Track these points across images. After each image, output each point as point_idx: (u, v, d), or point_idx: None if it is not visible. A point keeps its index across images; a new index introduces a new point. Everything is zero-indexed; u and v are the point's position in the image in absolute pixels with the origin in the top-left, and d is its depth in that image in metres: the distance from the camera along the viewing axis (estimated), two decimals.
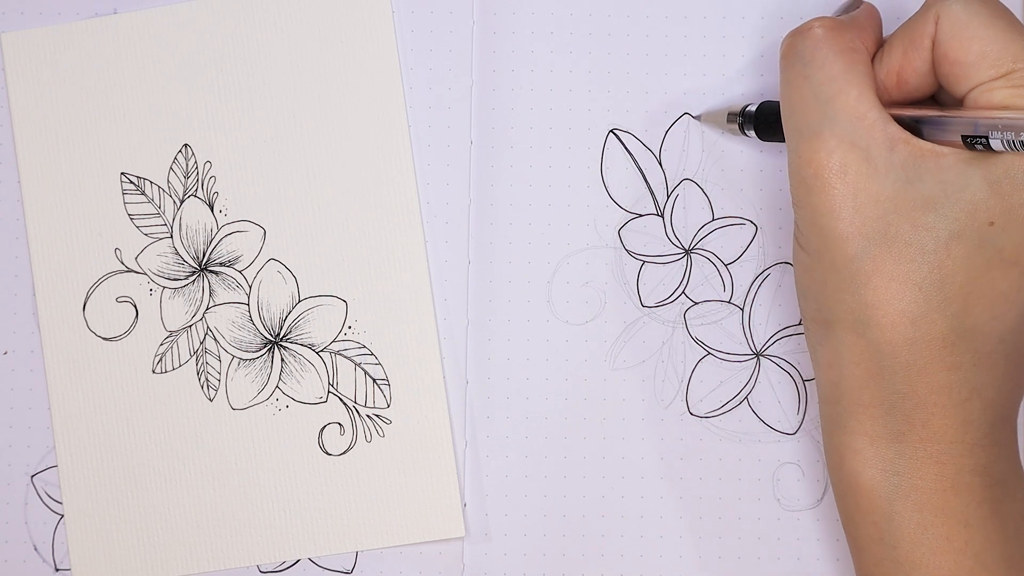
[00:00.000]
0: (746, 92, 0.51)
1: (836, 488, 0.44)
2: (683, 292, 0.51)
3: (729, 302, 0.51)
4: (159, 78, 0.51)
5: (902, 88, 0.43)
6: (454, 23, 0.51)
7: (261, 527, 0.51)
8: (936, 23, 0.42)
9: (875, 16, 0.45)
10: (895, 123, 0.41)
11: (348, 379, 0.51)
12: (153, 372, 0.51)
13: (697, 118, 0.51)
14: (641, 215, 0.51)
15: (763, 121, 0.48)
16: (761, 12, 0.51)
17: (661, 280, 0.51)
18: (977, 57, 0.41)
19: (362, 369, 0.51)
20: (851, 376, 0.42)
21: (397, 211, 0.51)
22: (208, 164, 0.51)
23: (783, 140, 0.46)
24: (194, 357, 0.51)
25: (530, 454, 0.51)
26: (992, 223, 0.40)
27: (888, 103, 0.43)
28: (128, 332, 0.51)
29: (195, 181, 0.51)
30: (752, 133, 0.49)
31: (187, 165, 0.51)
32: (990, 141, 0.39)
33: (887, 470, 0.42)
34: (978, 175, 0.40)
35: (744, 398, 0.51)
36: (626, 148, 0.51)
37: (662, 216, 0.51)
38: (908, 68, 0.43)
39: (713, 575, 0.50)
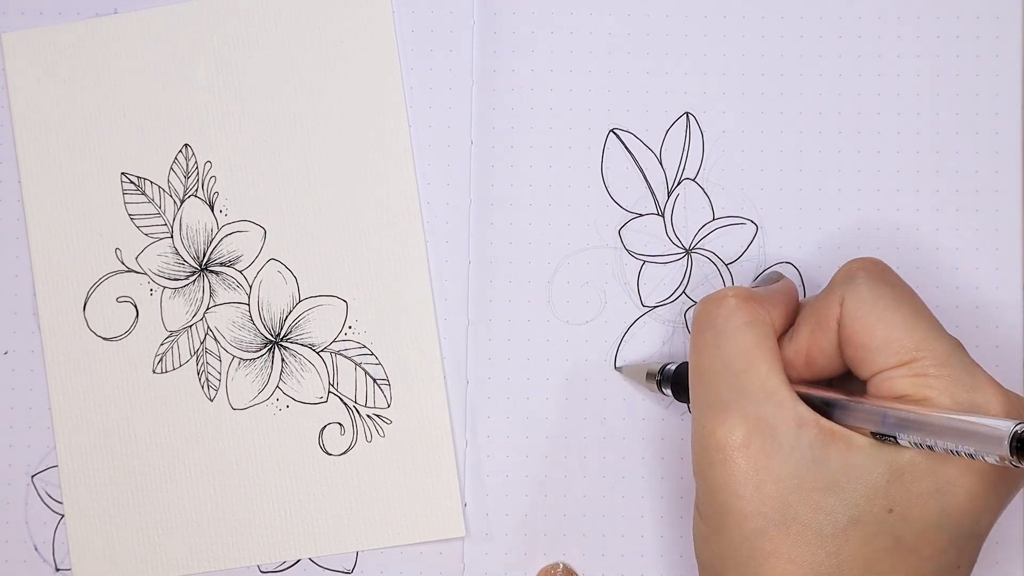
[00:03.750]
0: (747, 91, 0.51)
1: None
2: (684, 292, 0.51)
3: None
4: (159, 78, 0.51)
5: (811, 368, 0.43)
6: (454, 23, 0.51)
7: (261, 527, 0.51)
8: (841, 305, 0.42)
9: (791, 293, 0.45)
10: (803, 403, 0.41)
11: (348, 379, 0.51)
12: (153, 372, 0.51)
13: (619, 370, 0.51)
14: (641, 215, 0.51)
15: (680, 383, 0.48)
16: (762, 11, 0.51)
17: (662, 280, 0.51)
18: (881, 343, 0.40)
19: (362, 369, 0.51)
20: None
21: (397, 211, 0.51)
22: (208, 164, 0.51)
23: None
24: (194, 357, 0.51)
25: (531, 454, 0.51)
26: (891, 510, 0.39)
27: (797, 381, 0.43)
28: (128, 332, 0.51)
29: (195, 181, 0.51)
30: (669, 392, 0.48)
31: (187, 165, 0.51)
32: (898, 439, 0.39)
33: None
34: (884, 460, 0.39)
35: None
36: (626, 148, 0.51)
37: (662, 216, 0.51)
38: (815, 348, 0.42)
39: None
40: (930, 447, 0.38)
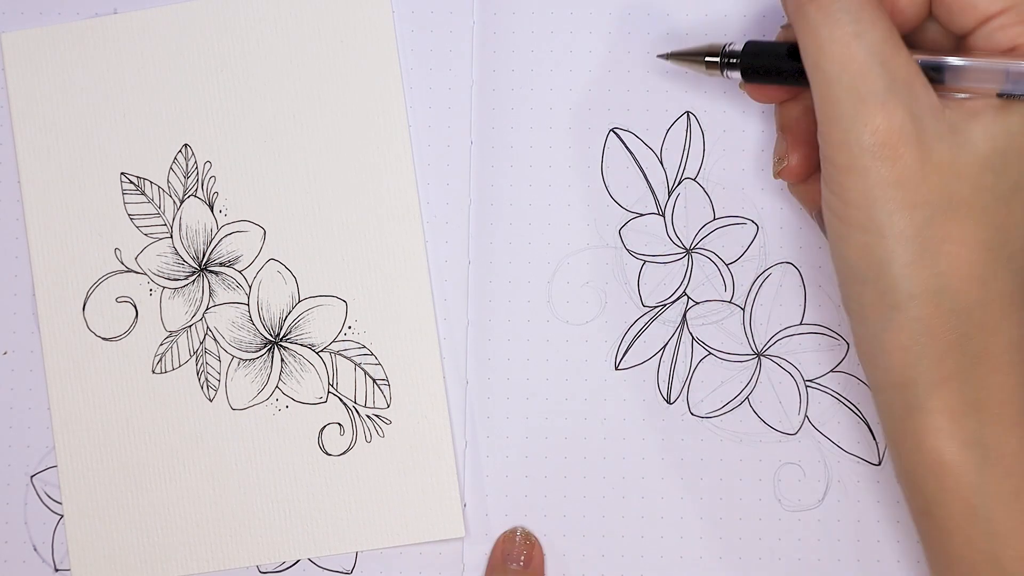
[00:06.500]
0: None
1: (912, 474, 0.42)
2: (684, 292, 0.51)
3: (730, 302, 0.51)
4: (159, 78, 0.51)
5: (895, 19, 0.41)
6: (454, 23, 0.51)
7: (261, 527, 0.51)
8: None
9: None
10: (932, 87, 0.40)
11: (348, 379, 0.51)
12: (153, 372, 0.51)
13: (664, 56, 0.48)
14: (642, 214, 0.51)
15: (759, 64, 0.45)
16: (763, 11, 0.51)
17: (662, 280, 0.51)
18: None
19: (362, 369, 0.51)
20: (930, 351, 0.40)
21: (397, 211, 0.51)
22: (208, 164, 0.51)
23: (778, 82, 0.45)
24: (194, 357, 0.51)
25: (530, 454, 0.51)
26: None
27: None
28: (128, 332, 0.51)
29: (195, 181, 0.51)
30: (735, 75, 0.46)
31: (187, 165, 0.51)
32: None
33: (970, 442, 0.40)
34: (1018, 123, 0.39)
35: (745, 398, 0.51)
36: (627, 147, 0.51)
37: (663, 215, 0.51)
38: (896, 9, 0.42)
39: (714, 575, 0.50)
40: None
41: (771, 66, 0.45)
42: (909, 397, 0.41)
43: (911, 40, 0.43)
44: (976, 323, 0.40)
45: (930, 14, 0.42)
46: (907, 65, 0.40)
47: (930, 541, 0.43)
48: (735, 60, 0.46)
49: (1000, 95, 0.39)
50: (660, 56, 0.49)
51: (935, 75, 0.40)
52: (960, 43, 0.42)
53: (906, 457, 0.42)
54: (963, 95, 0.40)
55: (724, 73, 0.46)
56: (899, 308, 0.41)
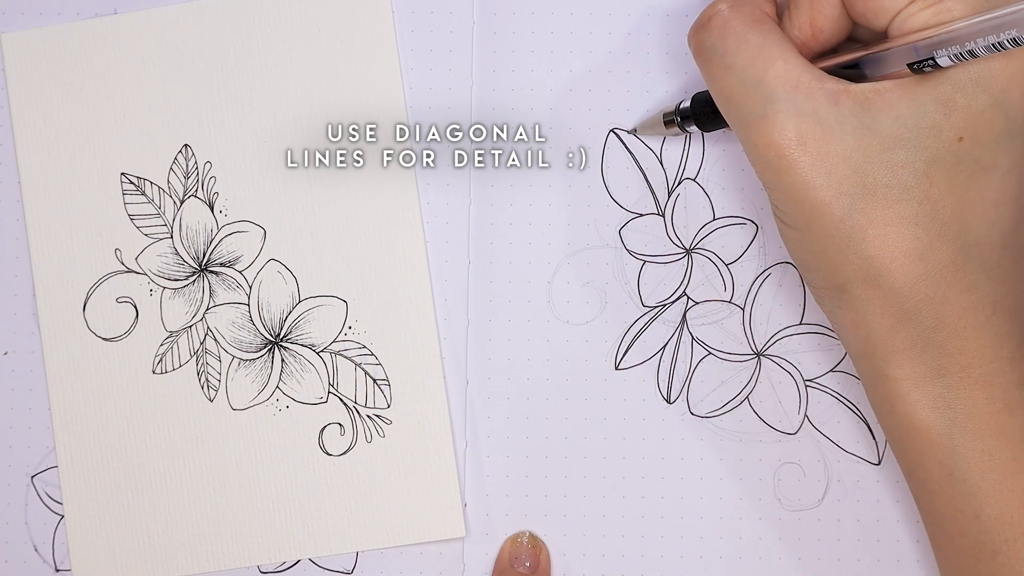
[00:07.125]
0: None
1: (893, 438, 0.43)
2: (684, 292, 0.51)
3: (730, 302, 0.51)
4: (159, 78, 0.51)
5: (818, 38, 0.43)
6: (454, 23, 0.51)
7: (261, 527, 0.51)
8: None
9: None
10: (830, 77, 0.41)
11: (348, 379, 0.51)
12: (153, 372, 0.51)
13: (632, 132, 0.51)
14: (642, 215, 0.51)
15: (701, 112, 0.48)
16: None
17: (662, 280, 0.51)
18: None
19: (362, 369, 0.51)
20: (879, 327, 0.42)
21: (397, 211, 0.51)
22: (208, 164, 0.51)
23: (726, 126, 0.47)
24: (194, 357, 0.51)
25: (531, 454, 0.51)
26: (961, 138, 0.40)
27: (812, 57, 0.43)
28: (128, 332, 0.51)
29: (195, 181, 0.51)
30: (694, 128, 0.48)
31: (187, 165, 0.51)
32: (937, 60, 0.39)
33: (939, 406, 0.41)
34: (928, 98, 0.40)
35: (745, 398, 0.51)
36: (627, 147, 0.51)
37: (663, 216, 0.51)
38: (820, 17, 0.43)
39: (714, 575, 0.50)
40: (971, 52, 0.38)
41: (715, 111, 0.47)
42: (872, 367, 0.43)
43: (844, 47, 0.44)
44: (924, 296, 0.41)
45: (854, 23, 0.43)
46: (789, 72, 0.41)
47: (919, 500, 0.44)
48: (688, 115, 0.48)
49: (912, 69, 0.40)
50: (630, 132, 0.51)
51: (856, 73, 0.42)
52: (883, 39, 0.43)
53: (885, 422, 0.44)
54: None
55: (684, 129, 0.49)
56: (842, 290, 0.42)
